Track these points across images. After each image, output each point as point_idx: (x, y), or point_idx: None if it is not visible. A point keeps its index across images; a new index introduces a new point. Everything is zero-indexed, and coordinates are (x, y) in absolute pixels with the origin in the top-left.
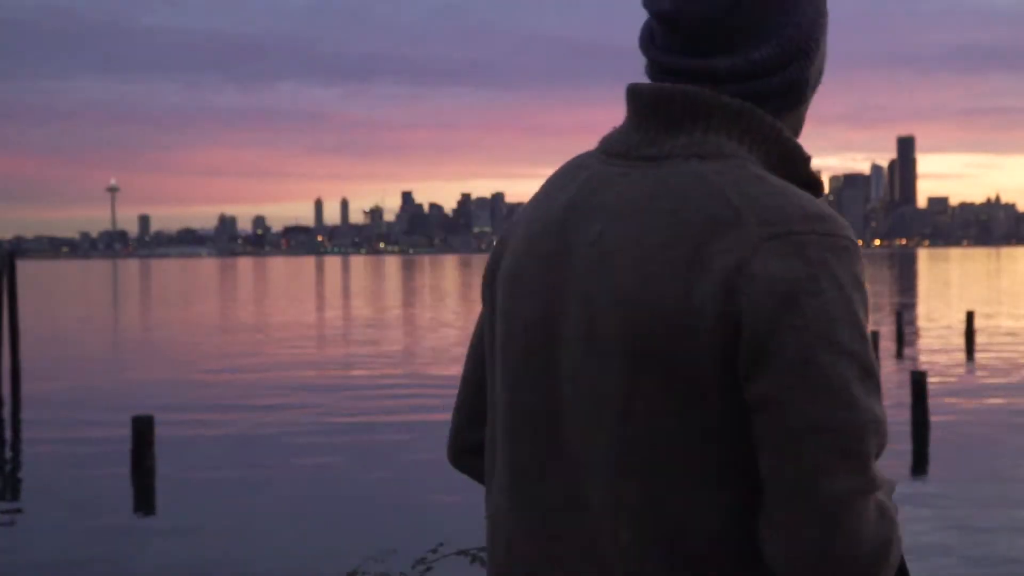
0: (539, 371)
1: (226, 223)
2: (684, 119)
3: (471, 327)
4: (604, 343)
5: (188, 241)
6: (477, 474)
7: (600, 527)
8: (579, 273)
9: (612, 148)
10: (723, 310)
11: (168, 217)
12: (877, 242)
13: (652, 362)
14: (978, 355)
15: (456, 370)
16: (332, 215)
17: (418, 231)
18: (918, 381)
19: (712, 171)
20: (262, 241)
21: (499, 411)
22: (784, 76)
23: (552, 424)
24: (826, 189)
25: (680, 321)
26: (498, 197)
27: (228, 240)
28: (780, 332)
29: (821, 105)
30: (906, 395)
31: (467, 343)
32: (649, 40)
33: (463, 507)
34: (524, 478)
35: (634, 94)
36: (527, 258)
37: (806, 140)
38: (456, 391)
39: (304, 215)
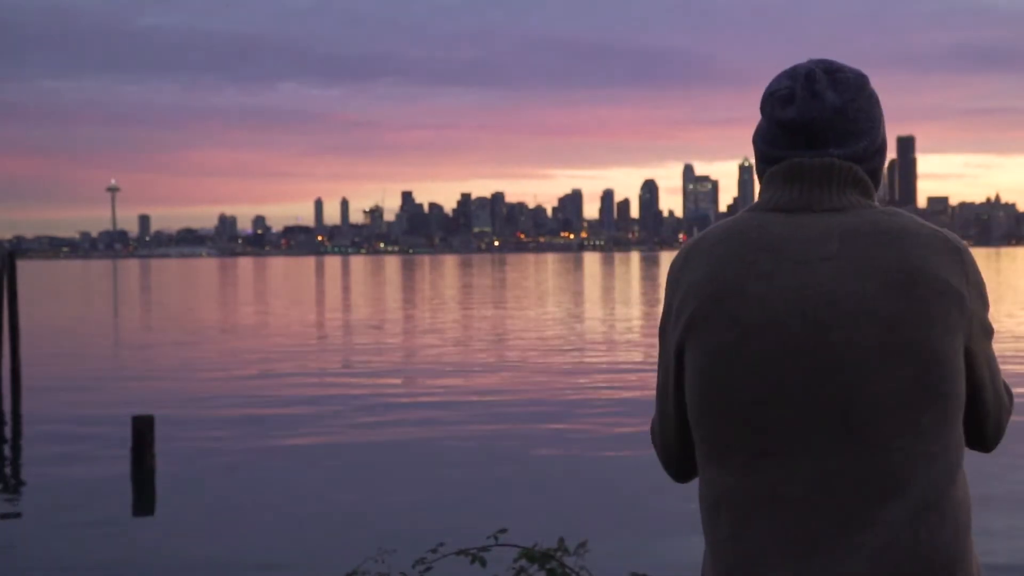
0: (801, 365)
1: (226, 223)
2: (845, 184)
3: (469, 328)
4: (872, 328)
5: (188, 241)
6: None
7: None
8: (819, 282)
9: (789, 205)
10: (967, 303)
11: (168, 217)
12: None
13: (939, 337)
14: None
15: (453, 369)
16: (332, 215)
17: (418, 231)
18: None
19: (892, 213)
20: (262, 241)
21: (759, 412)
22: (872, 164)
23: (819, 411)
24: None
25: (946, 307)
26: (498, 197)
27: (228, 240)
28: (982, 317)
29: None
30: None
31: (465, 342)
32: (772, 141)
33: (463, 507)
34: (785, 456)
35: (802, 168)
36: (754, 282)
37: None
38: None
39: (304, 215)
